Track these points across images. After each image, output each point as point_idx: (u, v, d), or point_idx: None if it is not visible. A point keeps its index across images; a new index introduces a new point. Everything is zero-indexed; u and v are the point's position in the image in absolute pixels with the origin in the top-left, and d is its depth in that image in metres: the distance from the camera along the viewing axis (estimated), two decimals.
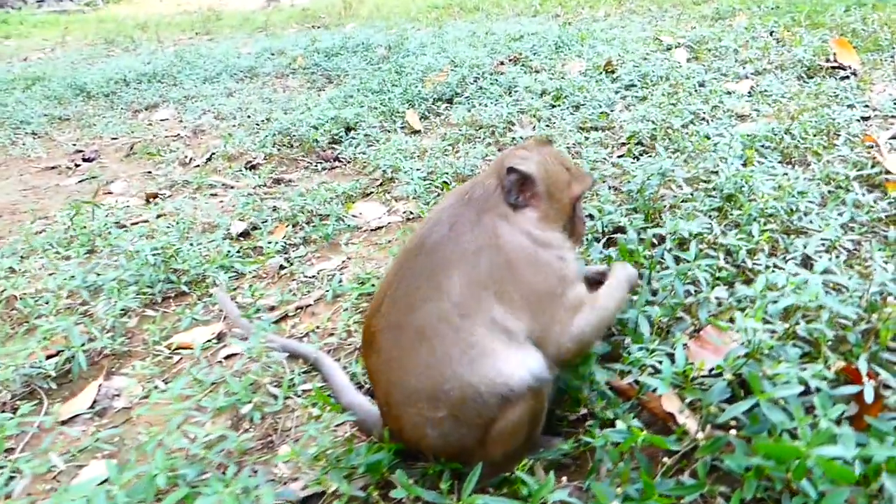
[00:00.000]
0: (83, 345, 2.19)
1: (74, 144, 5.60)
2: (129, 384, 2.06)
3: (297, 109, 5.18)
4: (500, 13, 9.99)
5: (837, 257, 1.92)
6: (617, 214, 2.30)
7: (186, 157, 4.73)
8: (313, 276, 2.68)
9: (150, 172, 4.55)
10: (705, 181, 2.50)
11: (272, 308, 2.47)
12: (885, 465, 1.14)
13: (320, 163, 4.12)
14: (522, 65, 5.52)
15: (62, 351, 2.20)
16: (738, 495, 1.26)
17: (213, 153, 4.68)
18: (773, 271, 1.72)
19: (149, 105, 6.70)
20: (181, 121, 5.98)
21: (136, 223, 3.42)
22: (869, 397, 1.26)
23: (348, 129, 4.56)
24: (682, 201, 2.35)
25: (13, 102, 7.12)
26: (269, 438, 1.80)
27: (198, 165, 4.54)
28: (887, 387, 1.38)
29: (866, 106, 3.29)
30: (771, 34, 5.07)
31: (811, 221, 2.12)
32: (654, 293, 1.83)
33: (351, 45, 7.95)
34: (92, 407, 2.05)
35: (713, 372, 1.43)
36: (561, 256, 1.51)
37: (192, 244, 2.87)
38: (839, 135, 2.97)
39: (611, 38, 6.03)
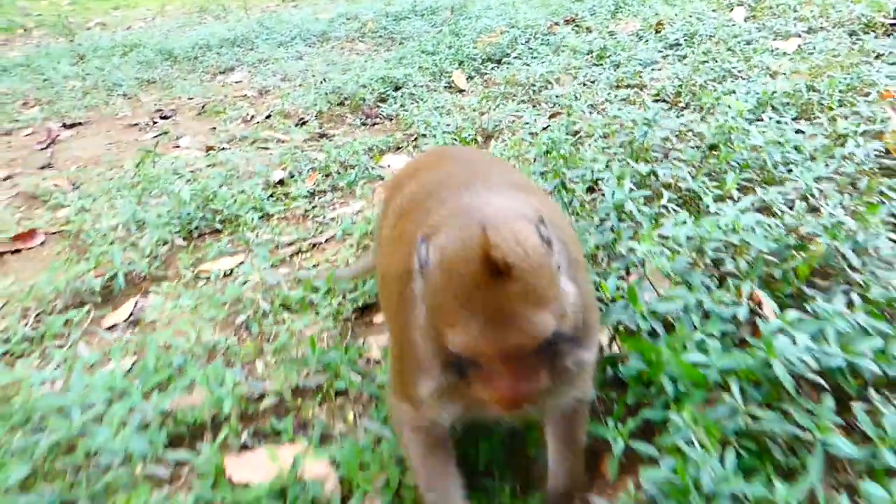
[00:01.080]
0: (125, 268, 2.57)
1: (156, 104, 6.14)
2: (158, 301, 2.41)
3: (352, 70, 5.46)
4: None
5: (803, 202, 1.97)
6: (602, 163, 2.41)
7: (248, 115, 5.13)
8: (332, 219, 2.96)
9: (214, 129, 4.97)
10: (695, 134, 2.57)
11: (290, 244, 2.77)
12: (738, 373, 1.27)
13: (364, 120, 4.39)
14: (576, 25, 5.54)
15: (110, 273, 2.59)
16: (623, 399, 1.42)
17: (271, 112, 5.05)
18: (718, 213, 1.82)
19: (225, 69, 7.19)
20: (250, 82, 6.41)
21: (192, 171, 3.81)
22: (742, 316, 1.38)
23: (396, 88, 4.80)
24: (670, 149, 2.44)
25: (110, 67, 7.81)
26: (261, 346, 2.09)
27: (258, 122, 4.92)
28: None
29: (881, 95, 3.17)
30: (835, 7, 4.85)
31: (791, 171, 2.17)
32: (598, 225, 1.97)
33: (419, 8, 8.15)
34: (128, 319, 2.42)
35: (618, 294, 1.58)
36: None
37: (229, 189, 3.21)
38: (869, 92, 2.91)
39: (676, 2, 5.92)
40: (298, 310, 2.15)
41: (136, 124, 5.59)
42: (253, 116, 5.09)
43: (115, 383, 1.67)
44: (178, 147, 4.69)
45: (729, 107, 2.70)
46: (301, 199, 3.13)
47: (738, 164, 2.23)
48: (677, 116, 2.82)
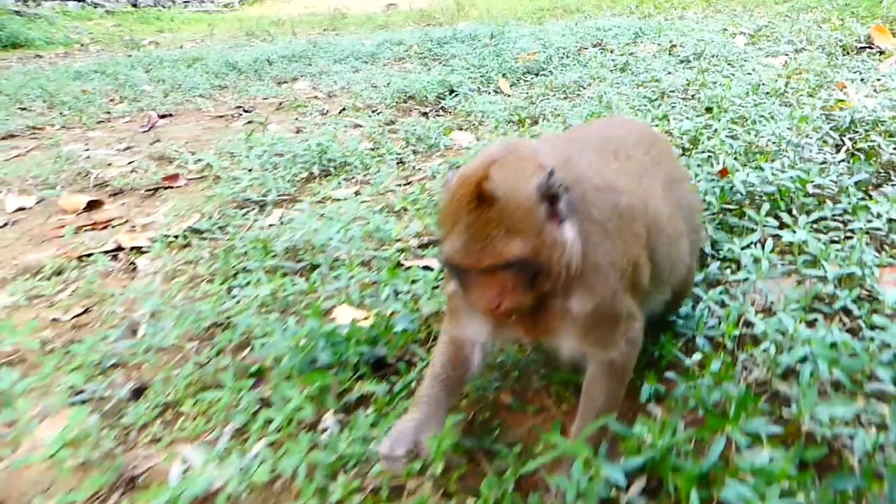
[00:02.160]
0: (276, 186, 3.55)
1: (235, 102, 7.20)
2: (298, 214, 3.36)
3: (408, 78, 6.52)
4: (600, 13, 11.05)
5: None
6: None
7: (324, 109, 6.16)
8: (419, 169, 3.93)
9: (296, 119, 6.00)
10: (697, 99, 3.55)
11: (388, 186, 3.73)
12: None
13: (428, 111, 5.40)
14: (602, 48, 6.61)
15: (265, 190, 3.56)
16: None
17: (345, 108, 6.08)
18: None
19: (289, 78, 8.28)
20: (316, 88, 7.47)
21: (294, 141, 4.81)
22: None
23: (451, 91, 5.82)
24: (672, 107, 3.41)
25: (181, 75, 8.91)
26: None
27: (334, 115, 5.94)
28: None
29: (863, 78, 4.16)
30: (822, 24, 5.90)
31: (764, 125, 3.13)
32: None
33: (460, 36, 9.28)
34: (277, 222, 3.37)
35: None
36: None
37: (336, 146, 4.20)
38: (830, 84, 3.89)
39: (689, 29, 6.99)
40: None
41: (221, 116, 6.63)
42: (328, 111, 6.11)
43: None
44: (267, 130, 5.70)
45: (724, 87, 3.68)
46: (391, 156, 4.10)
47: (728, 118, 3.19)
48: (684, 100, 3.80)
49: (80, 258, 3.08)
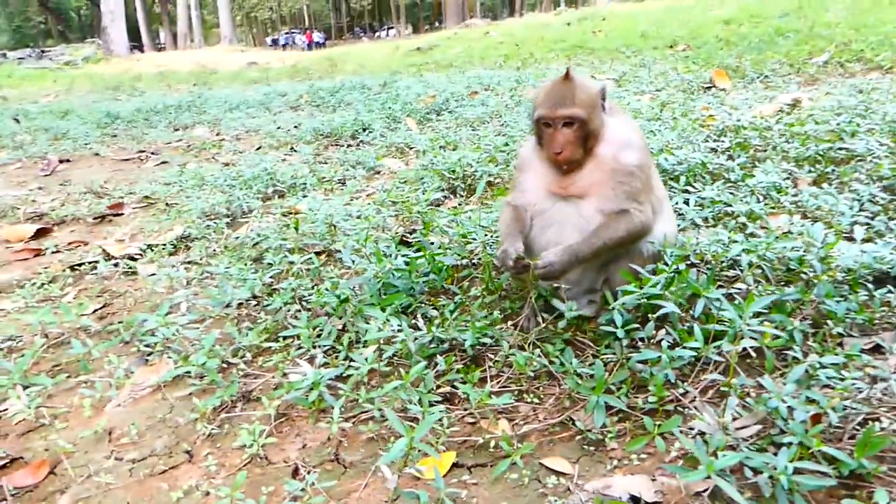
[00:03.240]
0: (242, 202, 3.91)
1: (134, 147, 7.29)
2: (265, 224, 3.75)
3: (316, 120, 7.03)
4: (470, 67, 12.18)
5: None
6: None
7: (238, 148, 6.48)
8: (363, 189, 4.43)
9: (213, 157, 6.28)
10: None
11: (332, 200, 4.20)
12: None
13: (346, 145, 5.93)
14: (492, 92, 7.52)
15: (236, 204, 3.90)
16: None
17: (261, 146, 6.45)
18: None
19: (185, 125, 8.47)
20: (218, 133, 7.75)
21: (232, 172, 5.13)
22: None
23: (364, 129, 6.40)
24: None
25: (61, 125, 8.80)
26: None
27: (251, 152, 6.29)
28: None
29: (721, 103, 5.26)
30: (674, 72, 7.18)
31: (659, 134, 3.99)
32: None
33: (348, 86, 9.93)
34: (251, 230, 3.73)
35: None
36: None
37: (281, 172, 4.61)
38: (690, 113, 4.91)
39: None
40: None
41: (127, 159, 6.73)
42: (244, 150, 6.45)
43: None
44: (187, 167, 5.94)
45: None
46: (335, 181, 4.58)
47: None
48: None
49: (71, 268, 3.27)
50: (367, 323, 2.09)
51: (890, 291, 1.86)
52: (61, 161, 6.69)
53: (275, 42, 53.10)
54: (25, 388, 2.07)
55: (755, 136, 3.55)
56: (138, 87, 15.05)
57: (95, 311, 2.75)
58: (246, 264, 2.84)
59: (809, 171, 3.03)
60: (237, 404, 1.94)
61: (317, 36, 47.76)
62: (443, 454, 1.60)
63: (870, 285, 1.90)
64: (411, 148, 5.44)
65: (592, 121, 1.98)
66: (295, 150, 6.03)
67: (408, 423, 1.58)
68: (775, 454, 1.33)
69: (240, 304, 2.53)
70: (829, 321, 1.80)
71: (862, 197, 2.61)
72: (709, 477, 1.28)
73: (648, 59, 8.85)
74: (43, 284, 3.06)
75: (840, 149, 3.16)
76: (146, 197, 4.73)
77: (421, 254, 2.46)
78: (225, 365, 2.11)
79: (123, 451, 1.80)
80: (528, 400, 1.79)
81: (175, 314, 2.42)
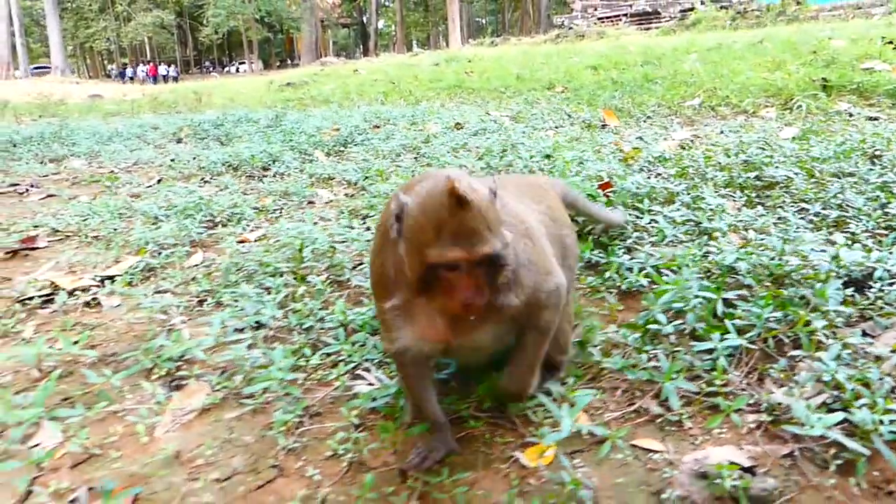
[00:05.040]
0: (185, 233, 3.79)
1: (4, 182, 6.68)
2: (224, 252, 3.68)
3: (226, 151, 6.86)
4: (351, 104, 12.34)
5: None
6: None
7: (135, 181, 6.17)
8: (292, 217, 4.44)
9: (109, 188, 5.92)
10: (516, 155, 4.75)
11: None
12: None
13: (260, 176, 5.86)
14: (392, 124, 7.74)
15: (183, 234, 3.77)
16: None
17: (161, 178, 6.19)
18: None
19: (56, 157, 7.87)
20: (99, 166, 7.29)
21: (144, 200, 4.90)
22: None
23: (273, 161, 6.35)
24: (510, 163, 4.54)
25: None
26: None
27: (150, 186, 6.01)
28: None
29: (621, 139, 5.83)
30: (564, 111, 7.81)
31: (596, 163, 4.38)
32: None
33: (231, 119, 9.73)
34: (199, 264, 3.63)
35: None
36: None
37: (216, 201, 4.50)
38: (603, 147, 5.41)
39: (457, 114, 8.50)
40: None
41: (4, 192, 6.16)
42: (141, 182, 6.14)
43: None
44: (80, 199, 5.56)
45: (530, 147, 4.94)
46: (269, 211, 4.54)
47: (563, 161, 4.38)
48: (504, 156, 4.97)
49: (21, 302, 3.02)
50: None
51: (857, 292, 2.26)
52: None
53: (122, 74, 50.18)
54: (50, 419, 1.94)
55: (684, 166, 4.04)
56: None
57: (77, 342, 2.58)
58: (238, 288, 2.80)
59: (740, 196, 3.51)
60: (303, 420, 1.95)
61: (163, 69, 45.71)
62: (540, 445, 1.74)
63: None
64: (332, 179, 5.50)
65: (506, 247, 1.52)
66: (207, 182, 5.86)
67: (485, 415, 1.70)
68: None
69: (258, 326, 2.50)
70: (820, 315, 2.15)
71: (790, 216, 3.09)
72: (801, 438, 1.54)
73: (531, 98, 9.51)
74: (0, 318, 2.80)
75: (759, 177, 3.70)
76: (56, 230, 4.41)
77: None
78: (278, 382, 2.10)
79: (202, 472, 1.75)
80: (597, 395, 1.97)
81: (194, 339, 2.36)
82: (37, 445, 1.88)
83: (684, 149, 4.90)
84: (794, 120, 5.93)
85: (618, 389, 1.99)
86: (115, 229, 4.17)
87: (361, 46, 69.30)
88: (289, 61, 65.08)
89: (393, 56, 34.56)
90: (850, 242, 2.60)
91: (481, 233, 1.44)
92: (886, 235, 2.77)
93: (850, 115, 5.75)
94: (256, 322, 2.50)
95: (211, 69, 60.01)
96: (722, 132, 5.63)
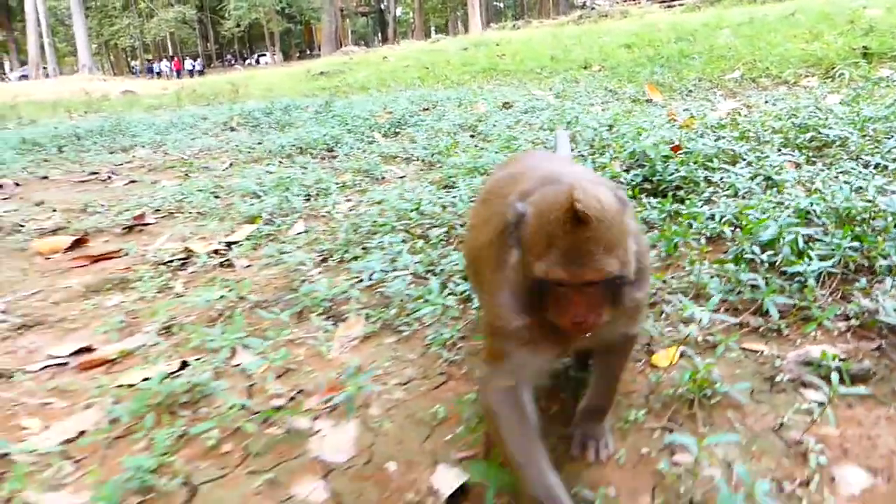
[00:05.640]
0: (288, 204, 4.20)
1: (84, 171, 7.16)
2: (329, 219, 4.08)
3: (293, 135, 7.29)
4: (389, 90, 12.73)
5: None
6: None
7: (210, 167, 6.60)
8: (380, 191, 4.82)
9: (186, 173, 6.36)
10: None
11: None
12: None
13: (324, 157, 6.27)
14: (441, 106, 8.10)
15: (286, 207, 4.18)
16: None
17: (232, 162, 6.62)
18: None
19: (122, 148, 8.36)
20: (166, 154, 7.75)
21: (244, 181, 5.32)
22: None
23: (336, 143, 6.75)
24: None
25: None
26: None
27: (225, 169, 6.43)
28: None
29: (669, 110, 6.14)
30: (607, 87, 8.12)
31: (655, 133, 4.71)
32: None
33: (279, 107, 10.16)
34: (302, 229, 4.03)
35: None
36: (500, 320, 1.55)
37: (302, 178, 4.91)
38: (656, 119, 5.72)
39: (501, 94, 8.84)
40: None
41: (85, 181, 6.63)
42: (214, 167, 6.58)
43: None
44: (161, 183, 6.00)
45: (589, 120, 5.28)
46: (349, 186, 4.94)
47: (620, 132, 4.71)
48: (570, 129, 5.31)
49: (162, 265, 3.45)
50: None
51: None
52: (17, 185, 6.51)
53: (150, 69, 51.24)
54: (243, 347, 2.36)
55: (743, 130, 4.37)
56: (23, 116, 14.28)
57: (232, 290, 2.99)
58: (366, 247, 3.21)
59: (799, 155, 3.83)
60: (456, 340, 2.34)
61: (189, 64, 46.51)
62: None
63: None
64: (396, 157, 5.88)
65: (629, 265, 1.41)
66: (281, 163, 6.27)
67: None
68: None
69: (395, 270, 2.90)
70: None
71: (850, 168, 3.41)
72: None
73: (569, 77, 9.81)
74: (152, 277, 3.24)
75: (815, 138, 4.01)
76: (157, 210, 4.84)
77: None
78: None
79: (385, 379, 2.15)
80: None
81: (345, 282, 2.78)
82: (238, 365, 2.29)
83: (737, 116, 5.20)
84: (837, 87, 6.20)
85: (719, 309, 2.35)
86: (214, 206, 4.59)
87: (380, 34, 69.65)
88: (308, 52, 65.66)
89: (413, 43, 34.89)
90: None
91: (594, 254, 1.33)
92: None
93: (894, 80, 5.99)
94: (393, 267, 2.90)
95: (233, 62, 60.82)
96: (767, 101, 5.91)
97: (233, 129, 9.30)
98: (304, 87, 15.38)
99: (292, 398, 2.06)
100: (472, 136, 6.29)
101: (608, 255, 1.34)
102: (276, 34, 62.98)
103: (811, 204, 2.77)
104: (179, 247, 3.76)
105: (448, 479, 1.64)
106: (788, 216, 2.61)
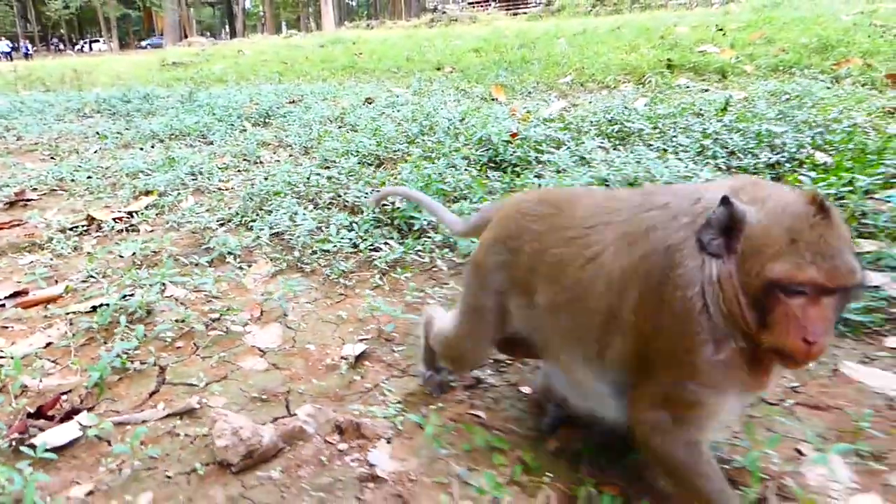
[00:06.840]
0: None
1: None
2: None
3: (159, 123, 7.55)
4: (248, 82, 12.97)
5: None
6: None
7: (78, 150, 6.75)
8: (263, 170, 5.38)
9: (53, 156, 6.49)
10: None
11: None
12: None
13: (199, 144, 6.67)
14: (306, 100, 8.67)
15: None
16: None
17: (100, 147, 6.82)
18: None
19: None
20: (18, 138, 7.71)
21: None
22: None
23: (208, 131, 7.14)
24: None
25: None
26: None
27: (96, 152, 6.63)
28: None
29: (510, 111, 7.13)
30: (459, 87, 9.05)
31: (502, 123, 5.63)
32: None
33: (136, 96, 10.21)
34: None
35: None
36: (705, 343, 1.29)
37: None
38: (500, 114, 6.68)
39: (358, 91, 9.53)
40: None
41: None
42: (83, 150, 6.74)
43: None
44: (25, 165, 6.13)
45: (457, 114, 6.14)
46: (231, 167, 5.45)
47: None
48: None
49: (62, 230, 3.85)
50: None
51: None
52: None
53: None
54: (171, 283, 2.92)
55: (567, 122, 5.40)
56: None
57: (148, 245, 3.49)
58: (265, 209, 3.82)
59: (608, 143, 4.88)
60: (347, 273, 3.04)
61: (3, 45, 42.25)
62: None
63: None
64: (268, 144, 6.43)
65: (865, 276, 1.26)
66: (153, 148, 6.57)
67: None
68: None
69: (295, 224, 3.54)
70: None
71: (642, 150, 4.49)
72: None
73: (424, 77, 10.69)
74: (61, 241, 3.64)
75: (621, 129, 5.12)
76: (33, 188, 5.08)
77: None
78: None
79: (296, 300, 2.81)
80: None
81: (246, 239, 3.38)
82: (171, 296, 2.85)
83: (564, 113, 6.28)
84: (646, 92, 7.51)
85: None
86: (100, 184, 4.93)
87: (228, 26, 67.38)
88: (147, 40, 62.32)
89: (267, 38, 34.52)
90: (677, 160, 4.02)
91: (844, 255, 1.18)
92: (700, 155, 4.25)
93: (688, 87, 7.38)
94: (294, 223, 3.53)
95: (62, 47, 56.30)
96: (590, 102, 7.08)
97: (87, 116, 9.27)
98: (158, 77, 15.11)
99: (225, 312, 2.68)
100: (339, 127, 6.95)
101: (854, 258, 1.20)
102: (113, 19, 59.24)
103: (608, 175, 3.75)
104: (80, 216, 4.14)
105: (354, 350, 2.36)
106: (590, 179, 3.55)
